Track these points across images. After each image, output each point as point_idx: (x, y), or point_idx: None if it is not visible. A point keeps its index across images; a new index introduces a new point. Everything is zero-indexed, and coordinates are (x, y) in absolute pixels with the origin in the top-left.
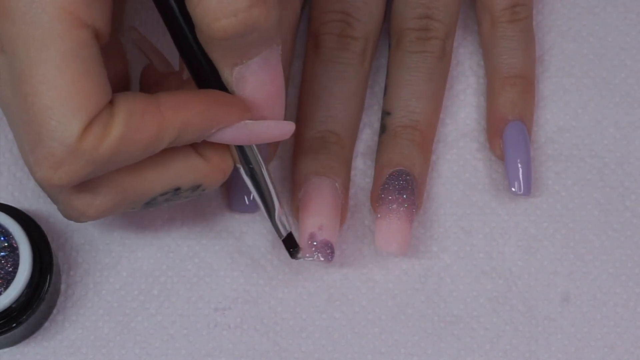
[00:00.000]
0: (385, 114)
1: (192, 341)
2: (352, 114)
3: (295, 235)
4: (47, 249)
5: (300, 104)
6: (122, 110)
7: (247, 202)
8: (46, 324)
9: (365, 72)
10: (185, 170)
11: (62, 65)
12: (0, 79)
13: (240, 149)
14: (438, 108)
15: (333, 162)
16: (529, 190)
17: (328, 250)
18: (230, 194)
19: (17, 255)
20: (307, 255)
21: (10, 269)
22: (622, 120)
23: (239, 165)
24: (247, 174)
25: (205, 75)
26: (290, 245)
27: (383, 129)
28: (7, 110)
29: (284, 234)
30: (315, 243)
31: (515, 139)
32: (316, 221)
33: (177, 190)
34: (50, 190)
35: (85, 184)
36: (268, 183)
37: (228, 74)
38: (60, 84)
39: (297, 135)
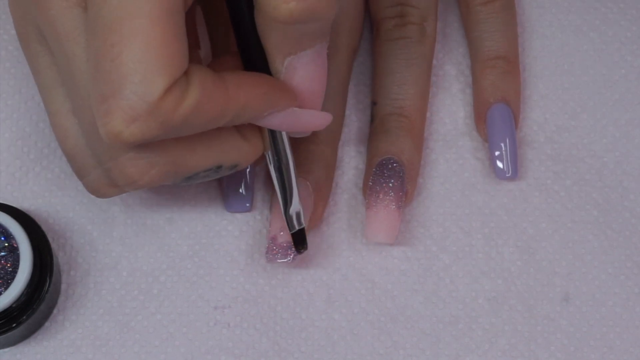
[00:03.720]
0: (372, 104)
1: (192, 339)
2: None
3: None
4: (47, 249)
5: None
6: (197, 80)
7: (242, 203)
8: (46, 324)
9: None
10: (230, 149)
11: (157, 22)
12: (72, 35)
13: (273, 137)
14: (424, 92)
15: (306, 160)
16: (515, 171)
17: (288, 252)
18: (224, 196)
19: (17, 255)
20: (268, 256)
21: (10, 269)
22: (622, 118)
23: (267, 153)
24: (273, 163)
25: (255, 61)
26: (299, 240)
27: (372, 119)
28: (71, 64)
29: (296, 228)
30: (274, 247)
31: (498, 121)
32: (279, 224)
33: (219, 167)
34: (110, 148)
35: (144, 153)
36: (292, 175)
37: (279, 63)
38: (152, 39)
39: None
